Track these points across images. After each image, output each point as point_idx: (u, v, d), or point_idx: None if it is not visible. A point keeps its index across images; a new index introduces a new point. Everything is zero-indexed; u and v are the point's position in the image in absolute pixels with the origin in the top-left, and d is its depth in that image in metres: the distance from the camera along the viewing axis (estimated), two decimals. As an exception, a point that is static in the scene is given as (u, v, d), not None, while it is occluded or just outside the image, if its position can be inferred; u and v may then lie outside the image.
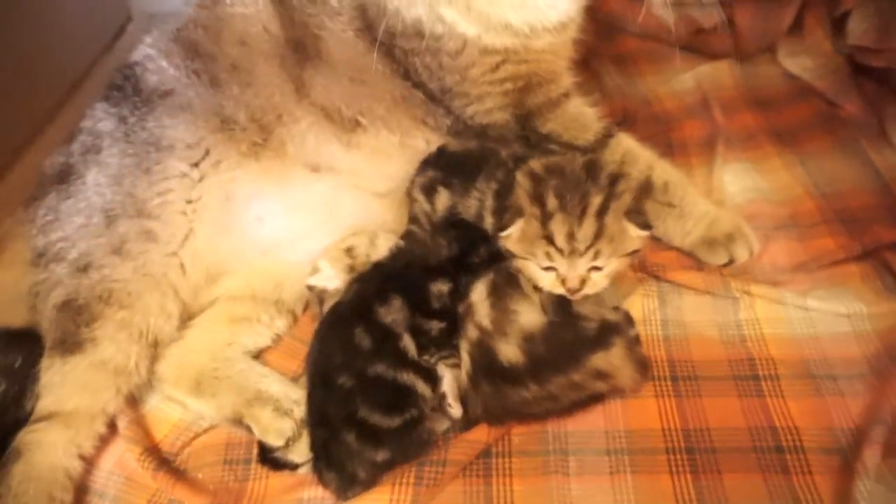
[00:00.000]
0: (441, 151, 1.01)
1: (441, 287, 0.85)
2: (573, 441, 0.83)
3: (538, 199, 0.81)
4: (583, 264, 0.80)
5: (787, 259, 1.00)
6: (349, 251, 0.93)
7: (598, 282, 0.82)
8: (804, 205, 1.07)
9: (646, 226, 0.81)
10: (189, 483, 0.83)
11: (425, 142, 1.04)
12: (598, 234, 0.79)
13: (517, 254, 0.83)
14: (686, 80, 1.34)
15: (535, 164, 0.86)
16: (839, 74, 1.28)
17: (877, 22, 1.24)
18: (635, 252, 0.84)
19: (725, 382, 0.87)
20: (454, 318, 0.83)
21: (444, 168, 0.97)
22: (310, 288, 0.95)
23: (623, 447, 0.82)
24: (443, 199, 0.95)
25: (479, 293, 0.84)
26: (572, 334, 0.82)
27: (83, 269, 0.90)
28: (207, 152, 0.97)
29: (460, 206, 0.93)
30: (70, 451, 0.84)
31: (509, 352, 0.81)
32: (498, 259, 0.86)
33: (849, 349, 0.89)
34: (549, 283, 0.82)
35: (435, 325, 0.82)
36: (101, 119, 1.00)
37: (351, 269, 0.92)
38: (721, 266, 0.98)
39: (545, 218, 0.80)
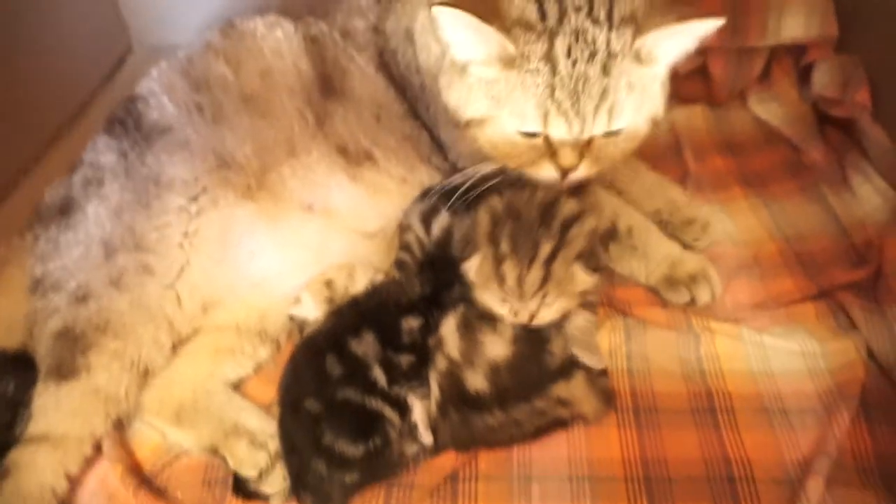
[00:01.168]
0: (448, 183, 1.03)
1: (412, 323, 0.89)
2: (537, 467, 0.86)
3: (493, 240, 0.86)
4: (532, 304, 0.85)
5: (748, 298, 1.04)
6: (329, 284, 0.97)
7: (546, 315, 0.86)
8: (766, 247, 1.12)
9: (595, 269, 0.86)
10: (168, 502, 0.86)
11: (429, 177, 1.08)
12: (546, 280, 0.83)
13: (477, 284, 0.87)
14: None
15: (496, 201, 0.90)
16: (805, 122, 1.34)
17: (839, 74, 1.30)
18: (586, 292, 0.88)
19: (684, 415, 0.91)
20: (424, 353, 0.88)
21: (448, 195, 0.99)
22: (291, 318, 1.00)
23: (584, 474, 0.85)
24: (442, 220, 0.98)
25: (449, 326, 0.89)
26: (536, 366, 0.86)
27: (82, 299, 0.93)
28: (205, 189, 1.00)
29: (456, 227, 0.96)
30: (58, 471, 0.86)
31: (476, 381, 0.85)
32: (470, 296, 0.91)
33: (802, 385, 0.93)
34: (503, 312, 0.87)
35: (405, 360, 0.86)
36: (103, 152, 1.04)
37: (330, 300, 0.96)
38: (684, 304, 1.03)
39: (498, 259, 0.85)
